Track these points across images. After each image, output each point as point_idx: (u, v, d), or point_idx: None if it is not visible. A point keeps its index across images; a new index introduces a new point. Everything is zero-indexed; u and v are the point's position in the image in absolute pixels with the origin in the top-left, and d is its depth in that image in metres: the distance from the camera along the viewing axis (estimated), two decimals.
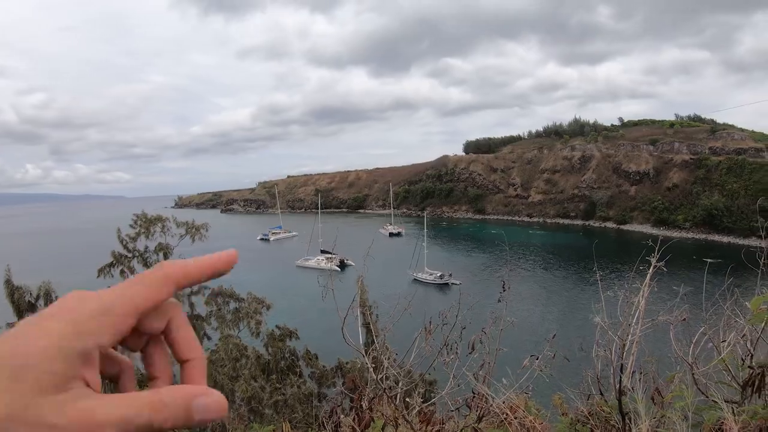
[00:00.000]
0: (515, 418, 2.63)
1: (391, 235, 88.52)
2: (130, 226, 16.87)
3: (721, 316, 2.99)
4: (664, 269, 2.76)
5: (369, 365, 2.97)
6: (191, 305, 16.29)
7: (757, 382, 2.30)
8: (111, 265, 16.77)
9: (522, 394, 2.91)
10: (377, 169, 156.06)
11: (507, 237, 68.06)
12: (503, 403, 2.77)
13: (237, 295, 15.95)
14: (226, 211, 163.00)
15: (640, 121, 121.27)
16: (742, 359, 2.63)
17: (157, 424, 0.41)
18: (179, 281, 0.47)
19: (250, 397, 10.98)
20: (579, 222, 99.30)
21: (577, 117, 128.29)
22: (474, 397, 2.88)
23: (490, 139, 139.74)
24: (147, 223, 16.75)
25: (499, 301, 3.32)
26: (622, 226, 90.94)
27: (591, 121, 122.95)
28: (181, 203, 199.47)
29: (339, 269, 48.04)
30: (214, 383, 11.67)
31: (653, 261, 2.78)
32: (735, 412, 2.23)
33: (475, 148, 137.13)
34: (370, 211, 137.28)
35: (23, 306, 13.55)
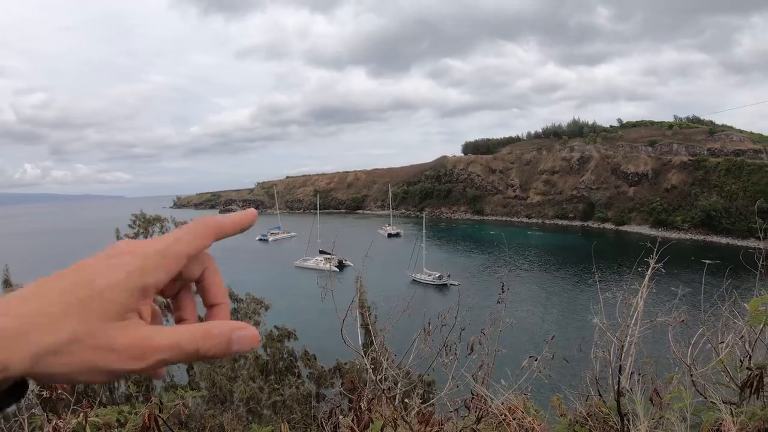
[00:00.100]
0: (514, 419, 2.63)
1: (390, 235, 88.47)
2: (129, 226, 16.84)
3: (720, 317, 2.99)
4: (663, 270, 2.76)
5: (368, 366, 2.97)
6: None
7: (755, 384, 2.30)
8: None
9: (521, 395, 2.91)
10: (376, 169, 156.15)
11: (506, 238, 68.15)
12: (502, 404, 2.77)
13: (235, 295, 15.93)
14: (224, 212, 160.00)
15: (638, 122, 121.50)
16: (741, 360, 2.63)
17: (202, 351, 0.48)
18: (217, 233, 0.54)
19: (248, 398, 10.97)
20: (577, 223, 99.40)
21: (576, 118, 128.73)
22: (473, 398, 2.88)
23: (488, 139, 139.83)
24: (145, 224, 16.72)
25: (499, 302, 3.32)
26: (620, 227, 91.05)
27: (590, 122, 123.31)
28: (180, 203, 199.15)
29: (338, 270, 48.03)
30: (212, 384, 11.66)
31: (652, 262, 2.78)
32: (733, 413, 2.23)
33: (474, 148, 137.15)
34: (368, 211, 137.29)
35: None
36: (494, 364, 3.03)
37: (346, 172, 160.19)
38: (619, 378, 2.59)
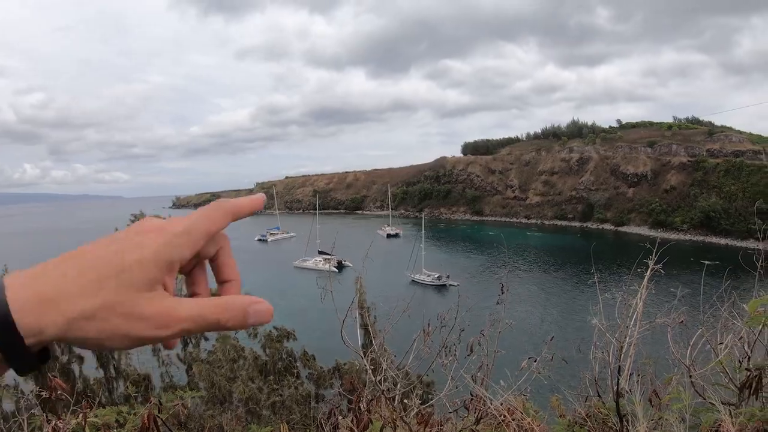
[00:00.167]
0: (513, 419, 2.63)
1: (389, 236, 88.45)
2: (127, 226, 16.83)
3: (719, 318, 3.00)
4: (662, 271, 2.76)
5: (367, 367, 2.97)
6: None
7: (754, 384, 2.30)
8: None
9: (520, 395, 2.91)
10: (375, 170, 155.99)
11: (505, 238, 68.20)
12: (501, 404, 2.77)
13: None
14: None
15: (638, 123, 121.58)
16: (740, 361, 2.64)
17: (222, 322, 0.52)
18: (234, 214, 0.59)
19: (247, 399, 10.95)
20: (577, 224, 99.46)
21: (575, 119, 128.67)
22: (472, 398, 2.88)
23: (488, 140, 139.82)
24: None
25: (498, 303, 3.32)
26: (619, 228, 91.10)
27: (589, 123, 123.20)
28: (179, 204, 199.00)
29: (337, 270, 47.99)
30: (211, 384, 11.64)
31: (651, 263, 2.78)
32: (732, 414, 2.23)
33: (473, 149, 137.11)
34: (368, 212, 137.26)
35: None
36: (493, 365, 3.03)
37: (346, 172, 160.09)
38: (618, 379, 2.59)
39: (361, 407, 2.70)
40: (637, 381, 2.66)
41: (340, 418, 2.88)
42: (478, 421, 2.78)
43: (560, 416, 3.09)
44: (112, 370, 14.46)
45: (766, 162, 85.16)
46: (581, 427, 2.76)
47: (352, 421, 2.64)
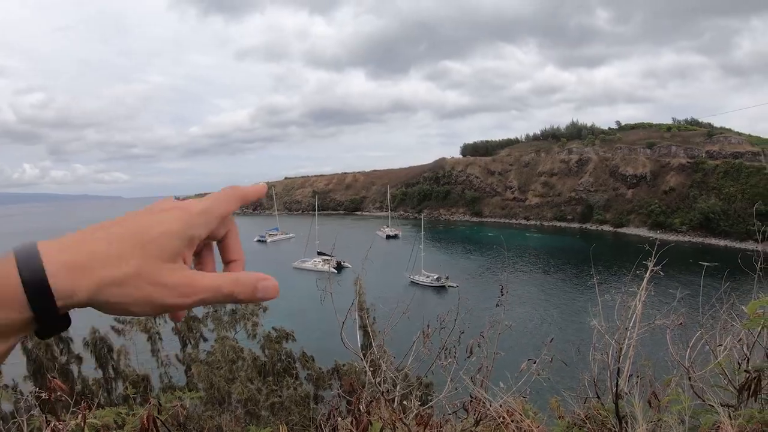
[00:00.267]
0: (512, 421, 2.63)
1: (388, 237, 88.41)
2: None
3: (718, 320, 3.00)
4: (661, 273, 2.77)
5: (367, 368, 2.97)
6: None
7: (753, 386, 2.30)
8: None
9: (519, 397, 2.91)
10: (374, 171, 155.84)
11: (504, 240, 68.20)
12: (500, 406, 2.77)
13: None
14: None
15: (637, 124, 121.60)
16: (739, 363, 2.64)
17: (235, 294, 0.57)
18: (242, 199, 0.64)
19: (246, 399, 10.94)
20: (576, 225, 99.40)
21: (575, 120, 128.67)
22: (471, 400, 2.87)
23: (487, 141, 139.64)
24: None
25: (498, 305, 3.32)
26: (618, 230, 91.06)
27: (588, 125, 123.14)
28: None
29: (336, 271, 47.91)
30: (210, 385, 11.63)
31: (650, 265, 2.79)
32: (731, 416, 2.24)
33: (473, 150, 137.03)
34: (367, 213, 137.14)
35: None
36: (493, 367, 3.03)
37: (345, 173, 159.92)
38: (618, 380, 2.59)
39: (361, 408, 2.70)
40: (637, 382, 2.66)
41: (339, 419, 2.88)
42: (477, 423, 2.78)
43: (559, 418, 3.09)
44: (111, 371, 14.43)
45: (765, 164, 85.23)
46: (580, 429, 2.76)
47: (351, 422, 2.64)
